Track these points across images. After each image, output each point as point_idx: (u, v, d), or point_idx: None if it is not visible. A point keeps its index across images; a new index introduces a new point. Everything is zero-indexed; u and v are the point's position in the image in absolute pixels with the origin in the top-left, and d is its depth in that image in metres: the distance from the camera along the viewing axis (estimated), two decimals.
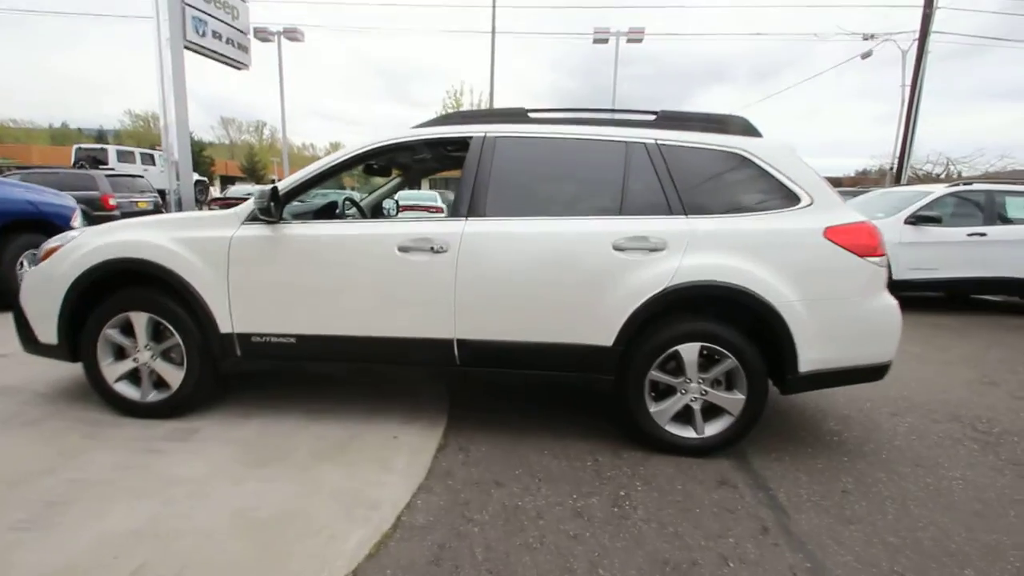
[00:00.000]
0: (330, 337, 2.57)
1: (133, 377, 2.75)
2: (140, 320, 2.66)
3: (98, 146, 17.54)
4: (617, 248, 2.41)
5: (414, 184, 4.46)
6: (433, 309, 2.50)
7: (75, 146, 17.19)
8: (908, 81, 16.16)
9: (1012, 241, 6.45)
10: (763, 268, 2.38)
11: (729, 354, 2.43)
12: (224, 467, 2.27)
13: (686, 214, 2.46)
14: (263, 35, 19.85)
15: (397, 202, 4.39)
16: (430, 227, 2.52)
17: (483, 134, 2.61)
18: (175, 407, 2.73)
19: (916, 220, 6.45)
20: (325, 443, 2.51)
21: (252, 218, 2.59)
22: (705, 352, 2.46)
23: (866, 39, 22.63)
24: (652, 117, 2.68)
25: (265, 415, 2.81)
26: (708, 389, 2.50)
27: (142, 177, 13.46)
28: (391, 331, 2.54)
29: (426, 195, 15.59)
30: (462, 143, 2.66)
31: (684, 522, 2.01)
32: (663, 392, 2.55)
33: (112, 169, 14.43)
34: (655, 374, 2.49)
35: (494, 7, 19.10)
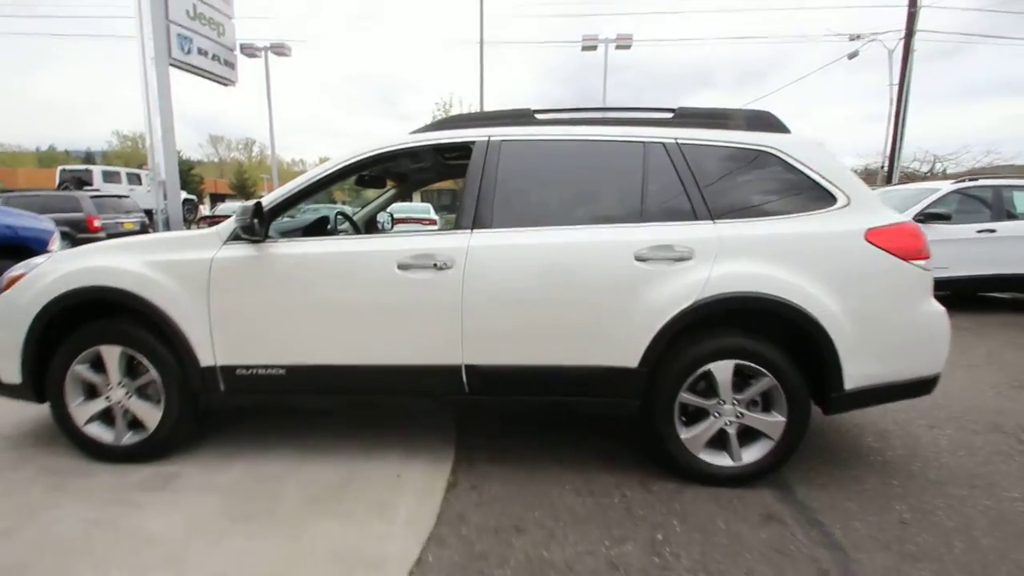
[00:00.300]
0: (324, 367, 2.31)
1: (106, 418, 2.48)
2: (112, 354, 2.39)
3: (83, 167, 17.21)
4: (639, 259, 2.18)
5: (408, 196, 4.21)
6: (438, 332, 2.25)
7: (59, 167, 16.86)
8: (895, 80, 16.22)
9: (1022, 237, 6.30)
10: (801, 276, 2.15)
11: (766, 372, 2.20)
12: (205, 521, 2.00)
13: (713, 219, 2.23)
14: (250, 51, 19.66)
15: (392, 215, 4.15)
16: (432, 241, 2.28)
17: (487, 138, 2.39)
18: (152, 449, 2.45)
19: (925, 218, 6.28)
20: (319, 487, 2.24)
21: (234, 237, 2.34)
22: (740, 370, 2.22)
23: (853, 39, 22.81)
24: (669, 115, 2.46)
25: (251, 456, 2.54)
26: (744, 411, 2.26)
27: (128, 197, 13.18)
28: (392, 358, 2.29)
29: (419, 207, 15.35)
30: (464, 149, 2.43)
31: (735, 569, 1.76)
32: (694, 416, 2.31)
33: (97, 190, 14.13)
34: (685, 396, 2.25)
35: (481, 17, 19.05)
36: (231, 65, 10.62)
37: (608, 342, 2.21)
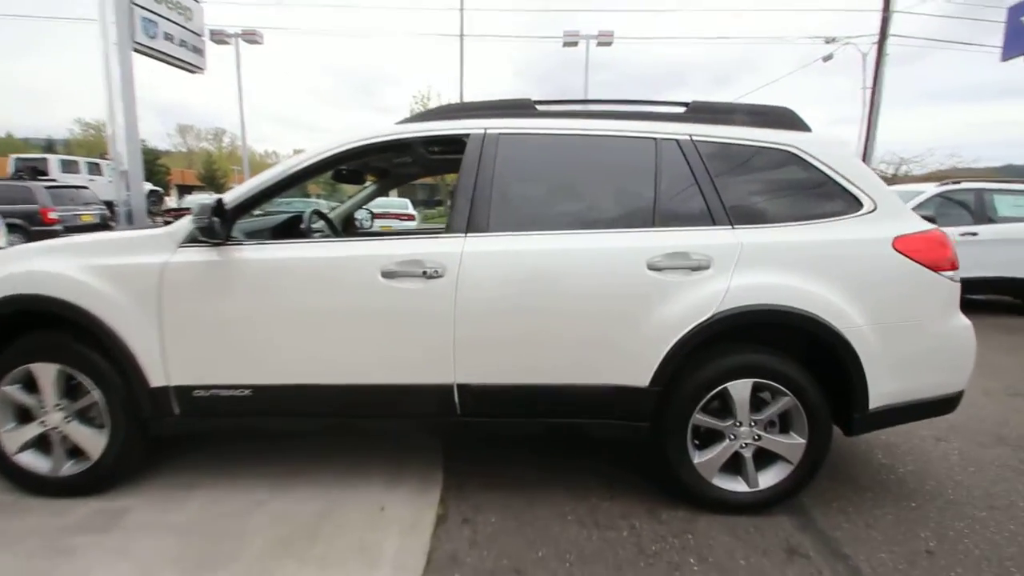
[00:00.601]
0: (296, 387, 2.04)
1: (42, 445, 2.16)
2: (47, 373, 2.07)
3: (38, 156, 16.24)
4: (653, 268, 1.97)
5: (387, 192, 3.92)
6: (427, 348, 2.00)
7: (12, 156, 15.84)
8: (869, 84, 16.47)
9: (1004, 240, 6.34)
10: (826, 287, 1.97)
11: (787, 391, 2.02)
12: (156, 571, 1.71)
13: (732, 224, 2.04)
14: (220, 37, 18.82)
15: (372, 213, 3.86)
16: (421, 246, 2.03)
17: (483, 131, 2.14)
18: (97, 481, 2.14)
19: None
20: (290, 526, 1.97)
21: (191, 240, 2.04)
22: (757, 389, 2.04)
23: (828, 43, 23.16)
24: (682, 108, 2.25)
25: (212, 487, 2.24)
26: (761, 433, 2.07)
27: (87, 188, 12.46)
28: (374, 377, 2.03)
29: (397, 202, 14.91)
30: (456, 143, 2.18)
31: None
32: (707, 438, 2.12)
33: (54, 180, 13.33)
34: (699, 418, 2.05)
35: (462, 10, 18.67)
36: (199, 51, 10.18)
37: (617, 359, 1.99)
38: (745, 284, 1.96)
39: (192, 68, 9.99)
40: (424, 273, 1.97)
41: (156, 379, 2.04)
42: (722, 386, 2.01)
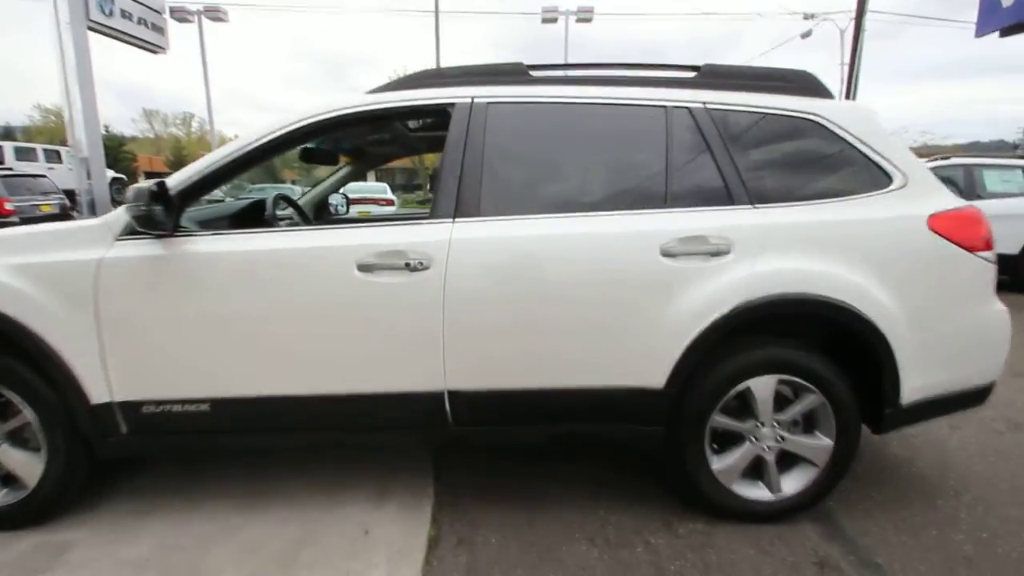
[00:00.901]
0: (262, 400, 1.78)
1: None
2: None
3: None
4: (667, 254, 1.74)
5: (363, 175, 3.61)
6: (413, 351, 1.76)
7: None
8: (847, 60, 16.39)
9: (994, 216, 6.26)
10: (858, 272, 1.77)
11: (814, 388, 1.82)
12: None
13: (752, 203, 1.81)
14: (181, 15, 17.87)
15: (347, 197, 3.55)
16: (402, 234, 1.77)
17: (469, 100, 1.86)
18: (35, 512, 1.87)
19: None
20: (261, 557, 1.73)
21: (131, 231, 1.74)
22: (782, 386, 1.84)
23: (807, 19, 23.00)
24: (692, 73, 2.01)
25: (171, 514, 1.97)
26: (785, 434, 1.88)
27: (45, 177, 11.76)
28: (352, 386, 1.78)
29: (374, 187, 14.39)
30: (439, 114, 1.91)
31: None
32: (725, 440, 1.92)
33: (9, 168, 12.58)
34: (718, 419, 1.85)
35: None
36: (160, 30, 9.60)
37: (628, 358, 1.77)
38: (770, 270, 1.75)
39: (153, 48, 9.46)
40: (407, 265, 1.71)
41: (97, 394, 1.75)
42: (744, 384, 1.81)
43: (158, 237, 1.72)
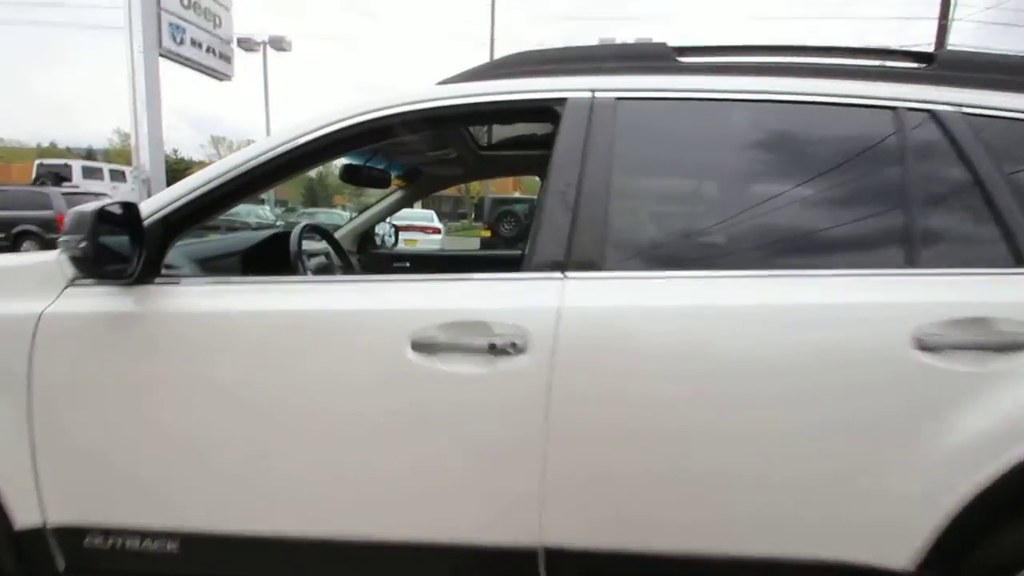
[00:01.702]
0: (258, 542, 1.16)
1: None
2: None
3: (61, 161, 16.04)
4: (924, 347, 1.03)
5: (415, 200, 3.06)
6: (493, 481, 1.10)
7: (36, 161, 15.69)
8: None
9: None
10: None
11: None
12: None
13: None
14: (248, 45, 18.53)
15: (395, 227, 3.00)
16: (482, 295, 1.14)
17: (588, 94, 1.23)
18: None
19: None
20: None
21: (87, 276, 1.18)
22: None
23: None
24: (920, 64, 1.32)
25: None
26: None
27: (108, 196, 12.08)
28: (397, 529, 1.14)
29: (420, 213, 13.94)
30: (541, 113, 1.28)
31: None
32: None
33: (76, 187, 13.04)
34: None
35: (493, 18, 18.12)
36: (227, 59, 9.99)
37: (850, 516, 1.06)
38: None
39: (220, 75, 9.77)
40: (492, 347, 1.07)
41: (24, 515, 1.18)
42: None
43: (121, 284, 1.15)
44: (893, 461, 1.04)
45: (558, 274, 1.13)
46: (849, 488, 1.05)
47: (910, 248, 1.12)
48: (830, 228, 1.19)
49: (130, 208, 1.11)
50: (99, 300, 1.17)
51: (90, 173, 15.30)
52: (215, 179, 1.22)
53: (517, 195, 16.68)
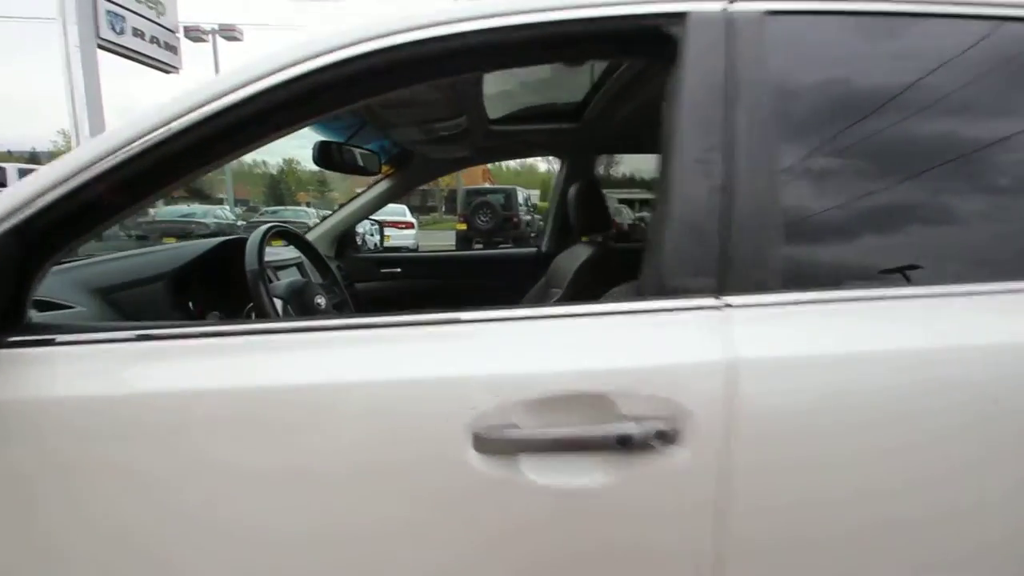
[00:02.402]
0: None
1: None
2: None
3: None
4: None
5: (402, 194, 2.55)
6: None
7: None
8: None
9: None
10: None
11: None
12: None
13: None
14: (195, 34, 17.44)
15: (380, 226, 2.50)
16: (591, 344, 0.66)
17: (721, 5, 0.76)
18: None
19: None
20: None
21: None
22: None
23: None
24: None
25: None
26: None
27: None
28: None
29: (390, 208, 13.33)
30: (643, 40, 0.80)
31: None
32: None
33: None
34: None
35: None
36: (173, 49, 9.27)
37: None
38: None
39: (166, 67, 9.05)
40: (623, 440, 0.60)
41: None
42: None
43: None
44: None
45: (711, 300, 0.66)
46: None
47: None
48: None
49: None
50: None
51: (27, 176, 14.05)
52: (85, 165, 0.69)
53: (488, 185, 16.20)
